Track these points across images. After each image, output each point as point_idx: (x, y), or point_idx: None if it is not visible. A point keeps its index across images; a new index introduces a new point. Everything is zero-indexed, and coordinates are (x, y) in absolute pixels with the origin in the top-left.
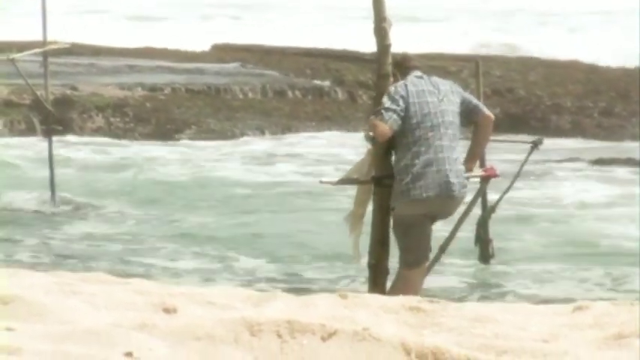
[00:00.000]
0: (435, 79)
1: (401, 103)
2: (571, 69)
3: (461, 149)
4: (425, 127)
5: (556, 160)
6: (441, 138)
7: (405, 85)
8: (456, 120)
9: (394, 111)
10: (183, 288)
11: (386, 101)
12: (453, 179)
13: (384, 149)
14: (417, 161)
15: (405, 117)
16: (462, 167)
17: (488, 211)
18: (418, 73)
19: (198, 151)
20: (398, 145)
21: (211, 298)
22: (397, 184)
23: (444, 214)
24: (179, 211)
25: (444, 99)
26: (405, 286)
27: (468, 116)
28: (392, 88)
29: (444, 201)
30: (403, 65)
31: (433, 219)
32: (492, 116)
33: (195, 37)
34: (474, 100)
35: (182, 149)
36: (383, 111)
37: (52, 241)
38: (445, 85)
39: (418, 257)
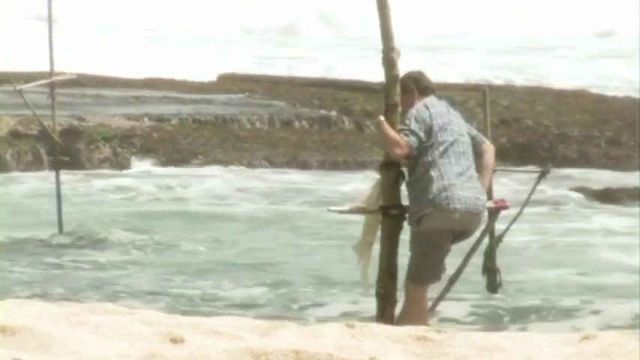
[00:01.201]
0: (447, 105)
1: (424, 126)
2: (578, 98)
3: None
4: (448, 144)
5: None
6: (464, 154)
7: (427, 107)
8: (470, 148)
9: (415, 134)
10: (191, 318)
11: (410, 123)
12: (477, 194)
13: (393, 178)
14: (444, 174)
15: (429, 136)
16: (480, 189)
17: (495, 240)
18: (434, 98)
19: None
20: (419, 164)
21: (218, 328)
22: (423, 195)
23: (467, 232)
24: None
25: (455, 121)
26: (417, 305)
27: (474, 146)
28: (414, 111)
29: (471, 216)
30: (421, 83)
31: (455, 237)
32: (492, 146)
33: (202, 66)
34: (475, 130)
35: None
36: (407, 132)
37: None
38: (455, 113)
39: (435, 273)
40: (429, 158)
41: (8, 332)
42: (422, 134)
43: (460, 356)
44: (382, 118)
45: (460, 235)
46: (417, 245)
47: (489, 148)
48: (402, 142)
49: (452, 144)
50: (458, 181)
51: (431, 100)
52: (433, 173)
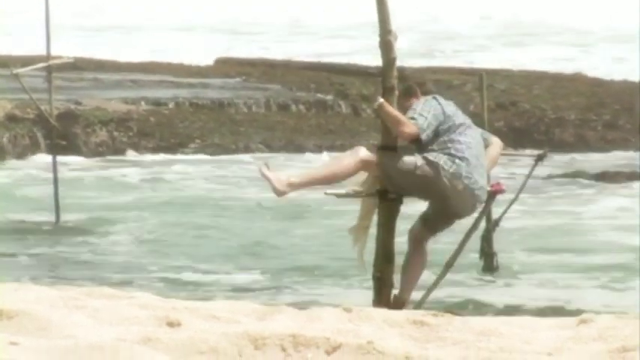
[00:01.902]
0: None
1: (432, 110)
2: (575, 82)
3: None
4: (465, 127)
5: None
6: (476, 139)
7: (431, 99)
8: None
9: (423, 116)
10: (187, 302)
11: (417, 108)
12: (481, 180)
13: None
14: (466, 155)
15: (442, 119)
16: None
17: (492, 224)
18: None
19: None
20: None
21: (215, 312)
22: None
23: (466, 212)
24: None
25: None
26: (424, 253)
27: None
28: (420, 102)
29: (476, 204)
30: (425, 86)
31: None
32: (501, 143)
33: (199, 50)
34: (486, 133)
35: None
36: (418, 117)
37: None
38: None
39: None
40: (447, 134)
41: (5, 316)
42: (431, 117)
43: (457, 340)
44: (382, 99)
45: (451, 215)
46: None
47: (496, 142)
48: (408, 121)
49: (467, 126)
50: (476, 162)
51: (435, 97)
52: (457, 147)
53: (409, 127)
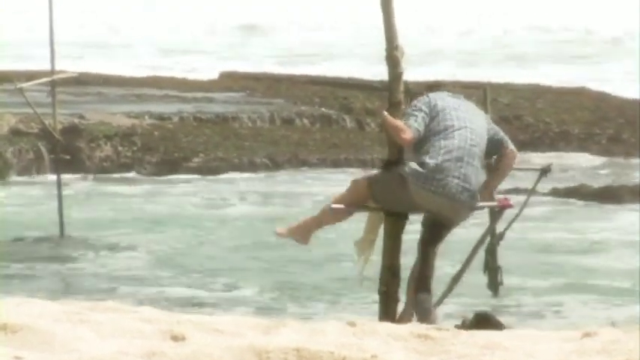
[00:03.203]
0: (464, 99)
1: (426, 109)
2: (579, 96)
3: (481, 166)
4: (451, 129)
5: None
6: (466, 144)
7: (428, 96)
8: (482, 140)
9: (417, 118)
10: (192, 316)
11: (412, 111)
12: (468, 186)
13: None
14: (439, 156)
15: (432, 119)
16: (482, 179)
17: (496, 238)
18: (445, 92)
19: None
20: (427, 143)
21: (219, 326)
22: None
23: (448, 221)
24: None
25: (471, 117)
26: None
27: (492, 147)
28: (415, 101)
29: (453, 205)
30: (432, 88)
31: (434, 221)
32: (516, 152)
33: (204, 65)
34: (501, 133)
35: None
36: (410, 118)
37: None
38: (473, 106)
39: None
40: (428, 138)
41: (9, 330)
42: (424, 116)
43: (462, 354)
44: (385, 112)
45: (439, 221)
46: (391, 179)
47: (510, 154)
48: (406, 127)
49: (456, 129)
50: (452, 166)
51: (439, 94)
52: (431, 151)
53: (406, 133)
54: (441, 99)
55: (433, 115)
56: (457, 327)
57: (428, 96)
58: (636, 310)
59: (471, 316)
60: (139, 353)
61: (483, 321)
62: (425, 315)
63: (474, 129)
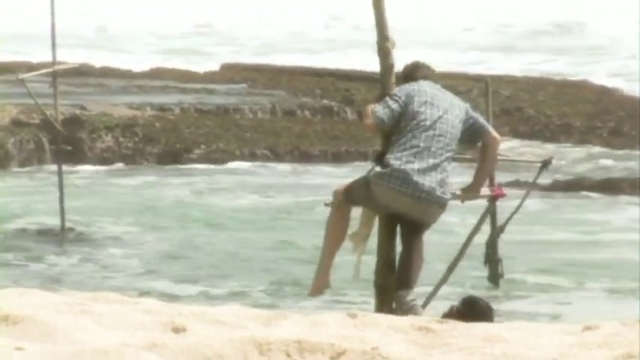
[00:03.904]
0: (443, 90)
1: (401, 102)
2: (580, 89)
3: (450, 160)
4: (422, 125)
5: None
6: (438, 137)
7: (409, 85)
8: (456, 132)
9: (390, 109)
10: (193, 307)
11: (387, 99)
12: (433, 184)
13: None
14: (404, 155)
15: (402, 116)
16: (445, 177)
17: (497, 230)
18: (427, 81)
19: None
20: (396, 141)
21: (221, 318)
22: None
23: (416, 219)
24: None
25: (449, 109)
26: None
27: (473, 135)
28: (396, 89)
29: (418, 204)
30: (412, 76)
31: (403, 220)
32: (499, 137)
33: (205, 56)
34: (481, 120)
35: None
36: (380, 106)
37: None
38: (452, 97)
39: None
40: (400, 135)
41: (11, 321)
42: (395, 107)
43: (462, 347)
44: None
45: (408, 219)
46: (360, 183)
47: (494, 142)
48: (370, 114)
49: (427, 126)
50: (416, 166)
51: (420, 82)
52: (396, 151)
53: (368, 119)
54: (421, 91)
55: (407, 106)
56: (445, 315)
57: (410, 85)
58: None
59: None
60: (140, 344)
61: (472, 306)
62: (407, 311)
63: (446, 124)
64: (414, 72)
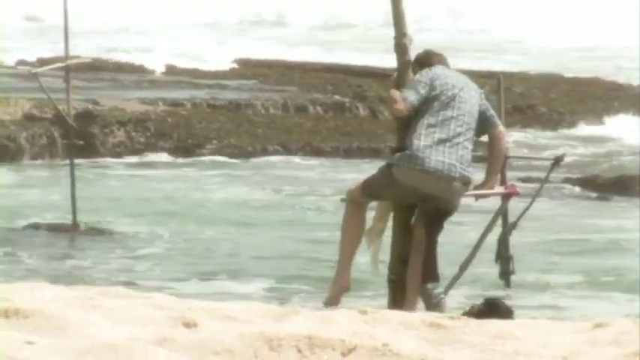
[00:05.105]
0: (458, 73)
1: (428, 87)
2: (592, 86)
3: (471, 140)
4: (440, 108)
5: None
6: (457, 119)
7: (430, 69)
8: (474, 112)
9: (420, 94)
10: (203, 302)
11: (416, 85)
12: (455, 162)
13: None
14: (425, 135)
15: (428, 98)
16: (466, 154)
17: (508, 227)
18: (441, 66)
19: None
20: (416, 123)
21: (231, 313)
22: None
23: (438, 199)
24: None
25: (465, 89)
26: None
27: (482, 124)
28: (418, 75)
29: (439, 181)
30: (427, 63)
31: (426, 200)
32: (504, 131)
33: (217, 52)
34: (492, 110)
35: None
36: (410, 92)
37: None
38: (466, 79)
39: (379, 195)
40: (420, 116)
41: (21, 315)
42: (424, 92)
43: (473, 343)
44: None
45: (431, 199)
46: (380, 172)
47: (500, 136)
48: (401, 99)
49: (446, 105)
50: (437, 144)
51: (436, 66)
52: (417, 131)
53: (399, 104)
54: (441, 75)
55: (431, 90)
56: (465, 313)
57: (431, 69)
58: None
59: (480, 302)
60: (150, 339)
61: (493, 307)
62: (436, 304)
63: (464, 103)
64: (429, 59)
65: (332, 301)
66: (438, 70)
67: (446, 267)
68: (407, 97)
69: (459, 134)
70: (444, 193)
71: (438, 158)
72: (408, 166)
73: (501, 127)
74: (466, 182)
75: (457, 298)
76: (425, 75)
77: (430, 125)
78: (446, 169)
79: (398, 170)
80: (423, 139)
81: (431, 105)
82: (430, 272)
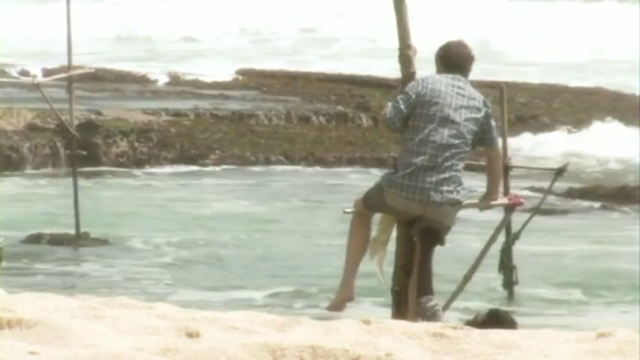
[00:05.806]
0: (465, 86)
1: (411, 101)
2: (595, 96)
3: (461, 159)
4: (427, 126)
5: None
6: (446, 144)
7: (423, 81)
8: (465, 131)
9: (398, 109)
10: (207, 312)
11: (398, 98)
12: (435, 184)
13: None
14: (406, 161)
15: (411, 115)
16: (454, 175)
17: (511, 238)
18: (449, 75)
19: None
20: (405, 140)
21: (234, 323)
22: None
23: (429, 220)
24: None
25: (459, 106)
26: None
27: (478, 142)
28: (409, 85)
29: (425, 207)
30: (441, 63)
31: (417, 222)
32: (500, 154)
33: (219, 62)
34: (494, 133)
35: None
36: (389, 107)
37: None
38: (471, 95)
39: (374, 207)
40: (408, 134)
41: (24, 325)
42: (404, 107)
43: (476, 353)
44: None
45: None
46: (376, 188)
47: (495, 155)
48: (382, 119)
49: (435, 125)
50: (423, 170)
51: (437, 76)
52: (404, 151)
53: (381, 122)
54: (434, 89)
55: (419, 102)
56: (468, 323)
57: (424, 82)
58: None
59: (484, 312)
60: (154, 349)
61: (496, 318)
62: (432, 317)
63: (456, 123)
64: (445, 59)
65: (335, 308)
66: (432, 83)
67: (449, 276)
68: (385, 113)
69: (446, 158)
70: (432, 216)
71: (425, 185)
72: (395, 193)
73: (496, 149)
74: (454, 204)
75: (459, 308)
76: (413, 88)
77: (418, 144)
78: (432, 195)
79: (387, 194)
80: (408, 161)
81: (417, 122)
82: (424, 286)
